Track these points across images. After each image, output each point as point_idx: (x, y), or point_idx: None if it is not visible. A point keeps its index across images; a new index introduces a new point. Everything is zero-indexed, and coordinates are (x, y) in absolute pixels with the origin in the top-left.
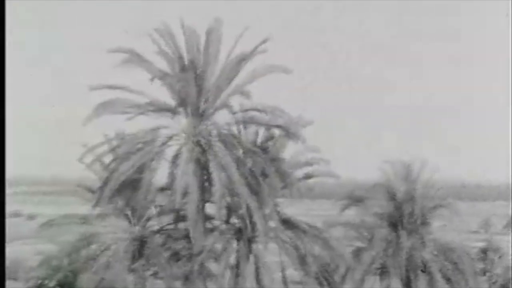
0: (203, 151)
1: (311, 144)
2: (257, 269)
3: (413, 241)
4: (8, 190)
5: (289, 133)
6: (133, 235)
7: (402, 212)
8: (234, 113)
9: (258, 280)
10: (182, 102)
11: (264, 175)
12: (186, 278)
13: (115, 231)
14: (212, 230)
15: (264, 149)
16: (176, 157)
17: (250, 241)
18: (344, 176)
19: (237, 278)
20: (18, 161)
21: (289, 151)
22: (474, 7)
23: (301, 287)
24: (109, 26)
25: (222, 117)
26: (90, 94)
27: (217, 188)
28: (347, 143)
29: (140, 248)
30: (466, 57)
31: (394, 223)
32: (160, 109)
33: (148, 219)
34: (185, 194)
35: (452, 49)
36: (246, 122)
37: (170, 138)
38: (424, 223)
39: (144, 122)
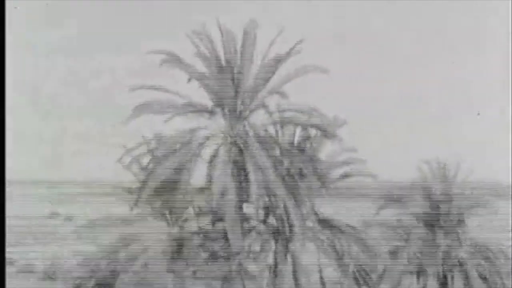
0: (240, 152)
1: (348, 144)
2: (294, 269)
3: (450, 241)
4: (45, 192)
5: (327, 133)
6: (171, 236)
7: (438, 211)
8: (271, 113)
9: (296, 280)
10: (219, 103)
11: (302, 175)
12: (225, 278)
13: (153, 232)
14: (249, 230)
15: (301, 149)
16: (213, 157)
17: (287, 241)
18: (380, 175)
19: (276, 278)
20: (52, 162)
21: (326, 151)
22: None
23: (339, 287)
24: (147, 26)
25: (259, 118)
26: (128, 95)
27: (254, 188)
28: (383, 143)
29: (178, 248)
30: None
31: (431, 223)
32: (198, 110)
33: (186, 220)
34: (222, 194)
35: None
36: (283, 122)
37: (207, 139)
38: (461, 222)
39: (182, 123)
